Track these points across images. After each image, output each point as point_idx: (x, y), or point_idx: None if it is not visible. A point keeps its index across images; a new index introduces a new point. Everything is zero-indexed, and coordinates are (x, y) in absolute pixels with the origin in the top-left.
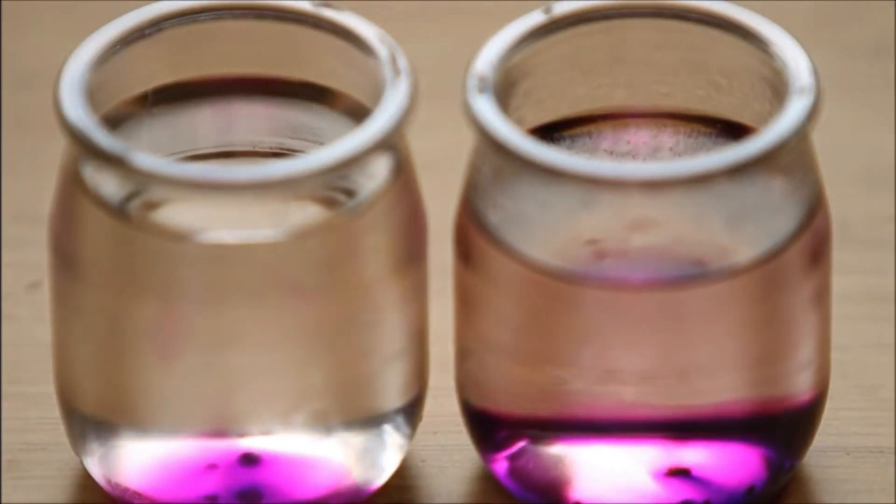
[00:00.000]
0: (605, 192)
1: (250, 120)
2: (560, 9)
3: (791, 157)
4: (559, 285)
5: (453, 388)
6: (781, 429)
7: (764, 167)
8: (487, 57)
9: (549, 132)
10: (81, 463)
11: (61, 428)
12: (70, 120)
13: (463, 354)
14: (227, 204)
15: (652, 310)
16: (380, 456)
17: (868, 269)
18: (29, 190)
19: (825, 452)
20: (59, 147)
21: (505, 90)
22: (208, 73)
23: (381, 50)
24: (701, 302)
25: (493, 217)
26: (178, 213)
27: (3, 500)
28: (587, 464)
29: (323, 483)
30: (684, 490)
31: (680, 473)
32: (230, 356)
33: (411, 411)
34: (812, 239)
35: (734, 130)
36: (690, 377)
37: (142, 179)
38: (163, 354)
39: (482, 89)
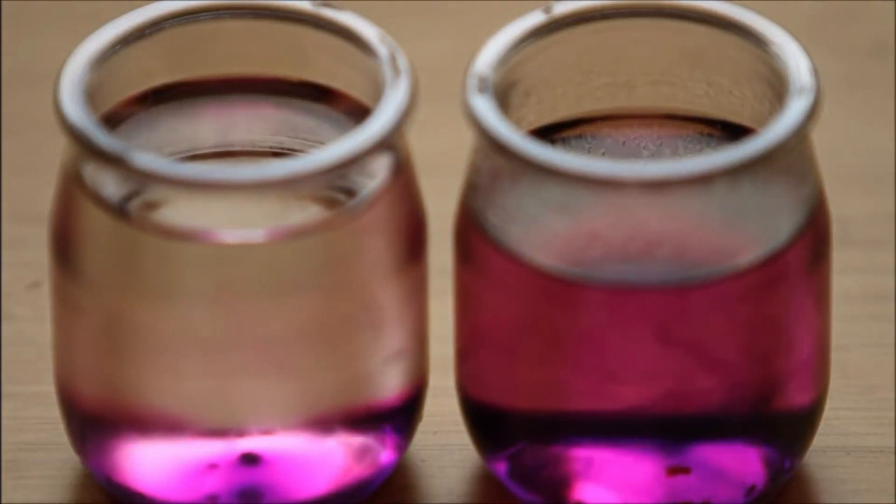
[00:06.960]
0: (605, 193)
1: (250, 120)
2: (560, 9)
3: (791, 157)
4: (559, 285)
5: (453, 388)
6: (781, 429)
7: (764, 167)
8: (487, 57)
9: (549, 132)
10: (81, 463)
11: (61, 428)
12: (70, 120)
13: (463, 354)
14: (227, 204)
15: (652, 310)
16: (380, 456)
17: (868, 269)
18: (29, 190)
19: (825, 452)
20: (59, 147)
21: (505, 90)
22: (208, 73)
23: (381, 50)
24: (701, 302)
25: (493, 217)
26: (178, 213)
27: (3, 500)
28: (587, 463)
29: (323, 483)
30: (684, 490)
31: (680, 473)
32: (231, 356)
33: (411, 411)
34: (812, 239)
35: (734, 130)
36: (691, 377)
37: (142, 179)
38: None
39: (482, 89)
